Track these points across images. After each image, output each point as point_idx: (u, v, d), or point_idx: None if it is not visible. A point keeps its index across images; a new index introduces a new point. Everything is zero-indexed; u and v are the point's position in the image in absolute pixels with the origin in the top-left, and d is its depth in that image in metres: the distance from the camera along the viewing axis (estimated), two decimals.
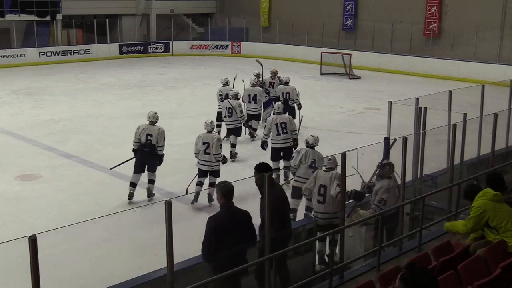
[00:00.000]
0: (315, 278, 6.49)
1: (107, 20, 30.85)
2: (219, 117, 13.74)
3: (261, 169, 6.22)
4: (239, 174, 10.40)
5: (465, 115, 8.50)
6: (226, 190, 5.74)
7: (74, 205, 9.93)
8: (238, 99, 13.08)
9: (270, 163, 9.77)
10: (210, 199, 9.74)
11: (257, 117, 14.51)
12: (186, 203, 9.73)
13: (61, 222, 8.66)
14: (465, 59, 24.84)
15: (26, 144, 13.99)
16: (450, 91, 10.31)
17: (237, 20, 33.63)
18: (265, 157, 9.99)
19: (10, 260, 7.39)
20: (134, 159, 10.15)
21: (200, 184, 9.94)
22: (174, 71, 26.90)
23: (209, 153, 9.74)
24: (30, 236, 3.96)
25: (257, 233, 5.98)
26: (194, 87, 22.33)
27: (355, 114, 17.72)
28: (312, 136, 9.34)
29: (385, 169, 7.53)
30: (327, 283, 6.01)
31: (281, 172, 10.90)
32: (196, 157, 10.02)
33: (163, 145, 10.09)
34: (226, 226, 5.66)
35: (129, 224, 8.99)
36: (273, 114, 11.65)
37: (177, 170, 11.83)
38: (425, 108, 9.17)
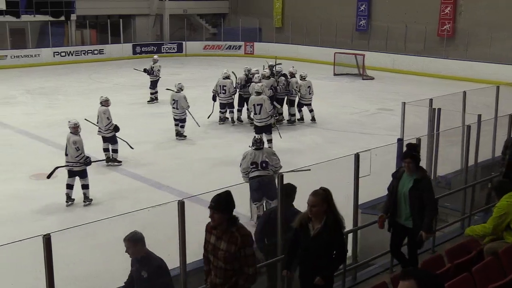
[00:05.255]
0: None
1: (121, 20, 31.01)
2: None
3: None
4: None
5: (479, 116, 8.44)
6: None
7: (88, 205, 10.00)
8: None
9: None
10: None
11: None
12: (199, 203, 9.74)
13: (76, 221, 8.72)
14: (480, 59, 24.59)
15: (40, 143, 14.10)
16: (465, 92, 10.24)
17: (250, 21, 33.60)
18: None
19: (24, 259, 7.47)
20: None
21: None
22: (187, 72, 26.91)
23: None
24: (44, 235, 3.99)
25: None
26: (207, 88, 22.21)
27: (368, 115, 17.65)
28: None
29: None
30: (340, 284, 6.00)
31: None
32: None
33: None
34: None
35: (143, 223, 9.01)
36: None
37: (190, 170, 11.86)
38: (439, 109, 9.12)
